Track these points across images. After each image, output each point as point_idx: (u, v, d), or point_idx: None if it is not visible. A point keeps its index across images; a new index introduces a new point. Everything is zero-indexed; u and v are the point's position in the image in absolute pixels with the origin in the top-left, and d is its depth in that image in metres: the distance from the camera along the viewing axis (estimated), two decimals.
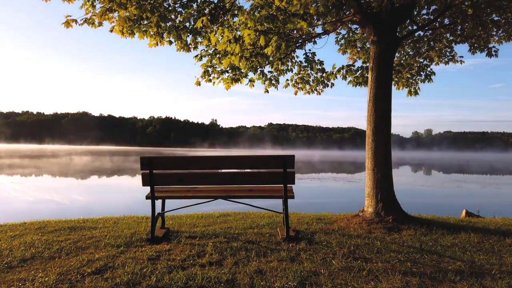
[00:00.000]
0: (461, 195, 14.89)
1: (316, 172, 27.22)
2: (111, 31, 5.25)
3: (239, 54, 5.41)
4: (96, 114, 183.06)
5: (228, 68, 6.31)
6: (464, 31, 5.70)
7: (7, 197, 11.70)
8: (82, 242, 3.75)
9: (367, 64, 6.83)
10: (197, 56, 6.32)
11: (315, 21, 5.65)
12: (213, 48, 6.23)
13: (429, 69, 6.88)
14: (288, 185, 3.88)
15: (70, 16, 4.87)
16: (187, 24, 5.72)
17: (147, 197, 3.88)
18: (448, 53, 6.63)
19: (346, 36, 6.87)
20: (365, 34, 5.61)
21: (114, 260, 3.11)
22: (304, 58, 6.95)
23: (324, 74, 7.20)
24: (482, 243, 3.87)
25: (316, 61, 7.01)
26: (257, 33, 4.54)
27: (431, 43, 6.39)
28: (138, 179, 17.80)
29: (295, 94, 7.48)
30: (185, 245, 3.62)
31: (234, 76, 6.46)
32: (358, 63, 7.21)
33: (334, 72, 7.10)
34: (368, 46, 6.67)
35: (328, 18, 5.72)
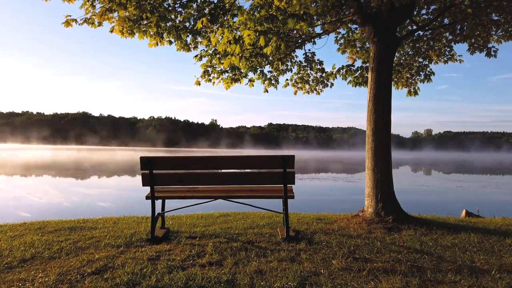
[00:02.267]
0: (461, 195, 14.89)
1: (316, 172, 27.23)
2: (111, 31, 5.25)
3: (239, 55, 5.41)
4: (96, 114, 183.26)
5: (228, 68, 6.31)
6: (463, 30, 5.71)
7: None
8: (82, 242, 3.75)
9: (367, 64, 6.83)
10: (197, 56, 6.32)
11: (315, 21, 5.65)
12: (213, 48, 6.23)
13: (428, 69, 6.89)
14: (288, 185, 3.88)
15: (70, 15, 4.88)
16: (187, 24, 5.72)
17: (147, 197, 3.88)
18: (447, 53, 6.64)
19: (345, 36, 6.87)
20: (364, 34, 5.61)
21: (114, 260, 3.11)
22: (303, 58, 6.95)
23: (323, 74, 7.21)
24: (482, 243, 3.88)
25: (316, 61, 7.01)
26: (257, 33, 4.54)
27: (431, 42, 6.39)
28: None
29: (295, 93, 7.49)
30: (185, 245, 3.62)
31: (233, 76, 6.46)
32: (358, 63, 7.22)
33: (333, 72, 7.11)
34: (368, 46, 6.67)
35: (327, 18, 5.72)
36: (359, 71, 6.92)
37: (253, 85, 6.72)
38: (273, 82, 6.89)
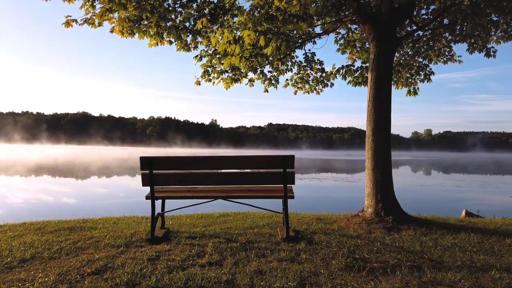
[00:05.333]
0: (460, 195, 14.89)
1: (316, 172, 27.23)
2: (112, 31, 5.25)
3: (239, 55, 5.41)
4: (96, 114, 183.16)
5: (228, 68, 6.31)
6: (463, 31, 5.71)
7: None
8: (82, 242, 3.75)
9: (367, 64, 6.83)
10: (197, 56, 6.32)
11: (315, 21, 5.65)
12: (213, 48, 6.23)
13: (428, 68, 6.89)
14: (288, 185, 3.88)
15: (70, 16, 4.88)
16: (187, 24, 5.72)
17: (147, 197, 3.88)
18: (447, 53, 6.65)
19: (345, 36, 6.87)
20: (364, 34, 5.61)
21: (114, 261, 3.11)
22: (303, 58, 6.95)
23: (323, 74, 7.21)
24: (482, 243, 3.88)
25: (316, 61, 7.02)
26: (257, 34, 4.54)
27: (430, 42, 6.39)
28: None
29: (295, 93, 7.50)
30: (185, 245, 3.62)
31: (233, 76, 6.46)
32: (358, 63, 7.22)
33: (333, 72, 7.11)
34: (368, 46, 6.67)
35: (327, 19, 5.72)
36: (359, 71, 6.92)
37: (253, 85, 6.73)
38: (273, 82, 6.89)
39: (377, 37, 5.01)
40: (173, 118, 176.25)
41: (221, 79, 6.44)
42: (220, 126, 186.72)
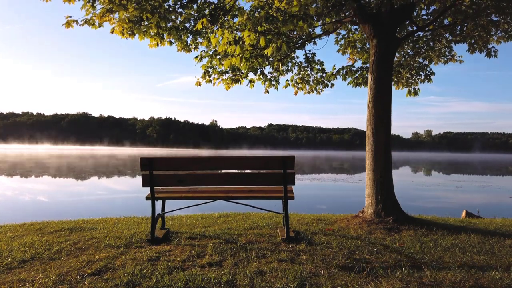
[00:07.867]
0: (461, 195, 14.88)
1: (316, 173, 27.23)
2: (112, 32, 5.25)
3: (240, 55, 5.41)
4: (96, 115, 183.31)
5: (228, 69, 6.31)
6: (463, 31, 5.71)
7: None
8: (82, 243, 3.75)
9: (367, 65, 6.83)
10: (197, 57, 6.32)
11: (315, 22, 5.65)
12: (213, 49, 6.23)
13: (428, 69, 6.89)
14: (288, 186, 3.88)
15: (71, 16, 4.88)
16: (187, 24, 5.72)
17: (147, 198, 3.88)
18: (447, 53, 6.64)
19: (345, 36, 6.87)
20: (365, 35, 5.61)
21: (114, 261, 3.11)
22: (304, 58, 6.95)
23: (324, 75, 7.21)
24: (482, 243, 3.87)
25: (316, 62, 7.01)
26: (257, 34, 4.54)
27: (431, 43, 6.39)
28: None
29: (295, 94, 7.50)
30: (185, 246, 3.62)
31: (234, 77, 6.46)
32: (358, 64, 7.21)
33: (334, 73, 7.11)
34: (368, 46, 6.67)
35: (327, 19, 5.72)
36: (359, 72, 6.92)
37: (253, 86, 6.72)
38: (273, 82, 6.89)
39: (377, 37, 5.01)
40: (173, 118, 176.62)
41: (222, 79, 6.43)
42: (220, 127, 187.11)
